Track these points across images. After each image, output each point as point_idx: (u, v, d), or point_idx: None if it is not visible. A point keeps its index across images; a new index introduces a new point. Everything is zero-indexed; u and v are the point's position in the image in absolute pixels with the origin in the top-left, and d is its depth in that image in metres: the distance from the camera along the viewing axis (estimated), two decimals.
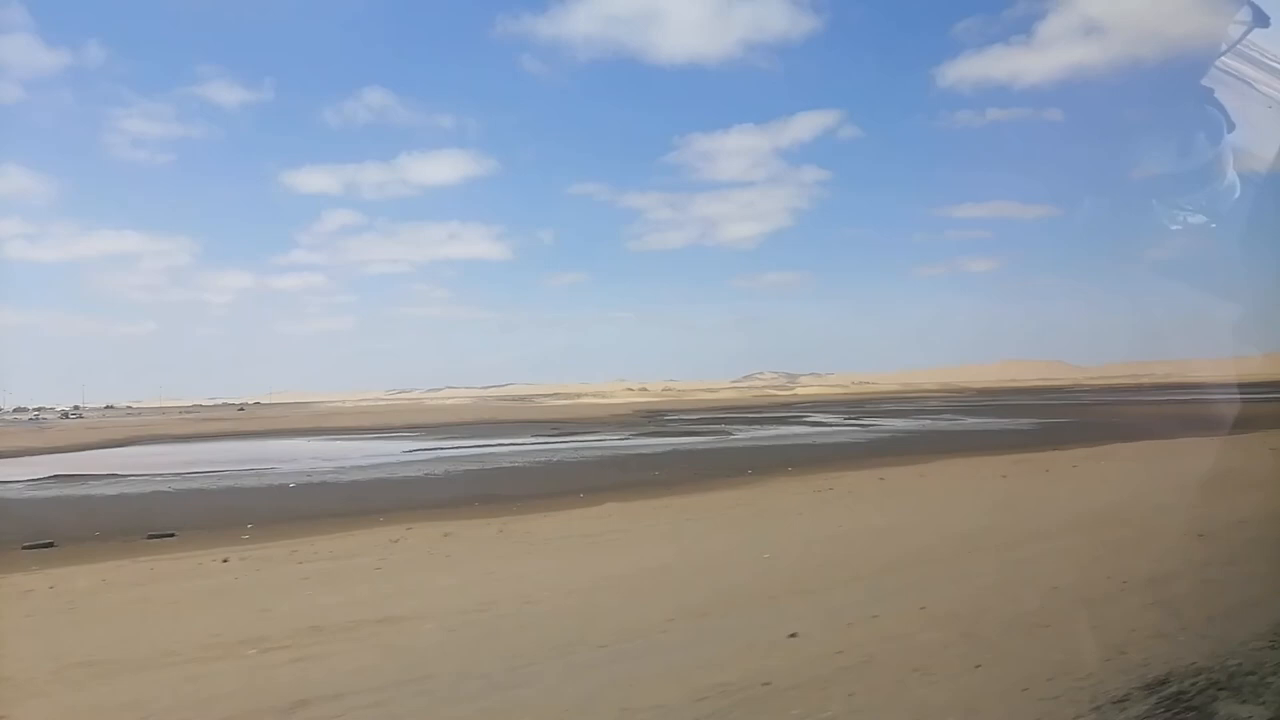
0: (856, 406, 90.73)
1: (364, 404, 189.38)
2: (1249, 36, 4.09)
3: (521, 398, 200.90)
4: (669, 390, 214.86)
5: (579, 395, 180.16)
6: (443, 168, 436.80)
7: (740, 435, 45.43)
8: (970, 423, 53.97)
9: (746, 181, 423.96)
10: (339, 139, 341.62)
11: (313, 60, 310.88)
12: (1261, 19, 4.00)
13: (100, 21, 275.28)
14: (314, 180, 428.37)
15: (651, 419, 69.90)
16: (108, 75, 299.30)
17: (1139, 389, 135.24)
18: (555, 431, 51.77)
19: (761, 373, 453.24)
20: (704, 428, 53.66)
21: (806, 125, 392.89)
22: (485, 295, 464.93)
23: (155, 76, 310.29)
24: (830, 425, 54.12)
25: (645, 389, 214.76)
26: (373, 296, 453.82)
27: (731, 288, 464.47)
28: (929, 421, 56.29)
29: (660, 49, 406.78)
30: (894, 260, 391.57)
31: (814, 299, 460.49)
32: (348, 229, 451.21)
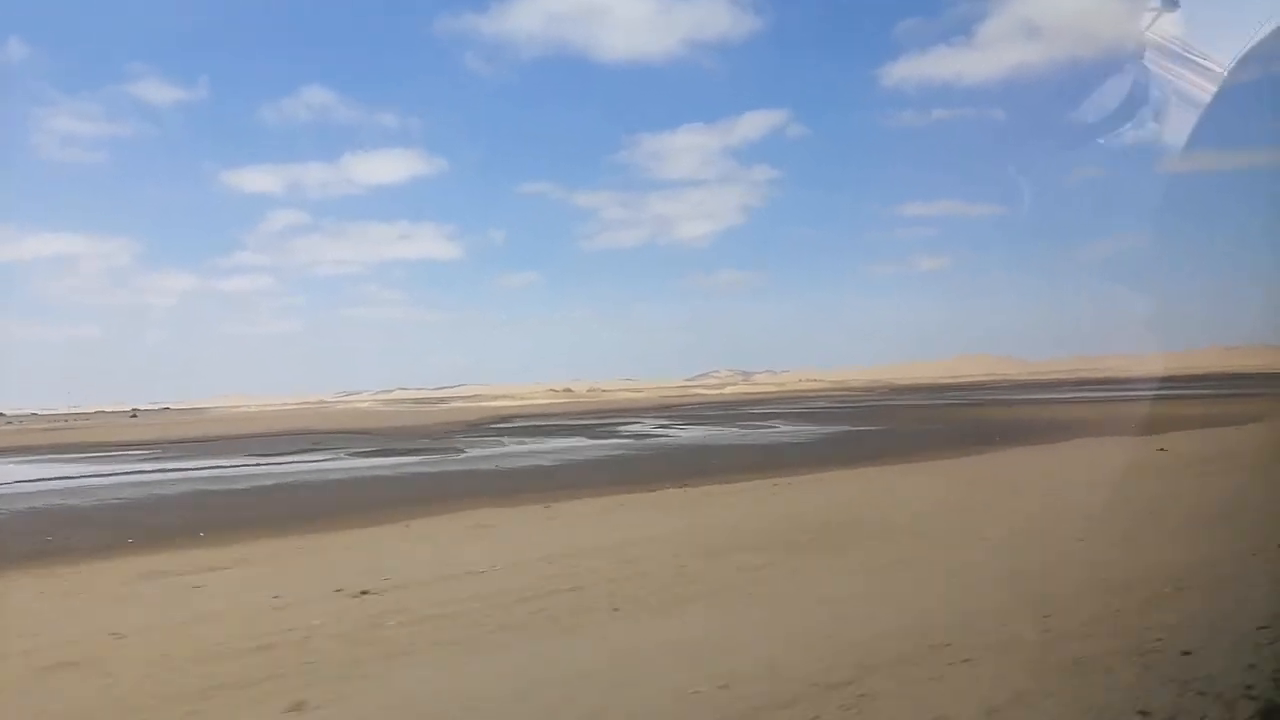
0: (730, 409, 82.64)
1: (269, 408, 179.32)
2: (1168, 37, 4.11)
3: (439, 400, 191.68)
4: (594, 390, 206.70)
5: (497, 397, 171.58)
6: (390, 167, 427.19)
7: (471, 454, 36.80)
8: (783, 430, 45.74)
9: (698, 180, 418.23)
10: (279, 138, 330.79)
11: (248, 58, 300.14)
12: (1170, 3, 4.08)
13: (19, 18, 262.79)
14: (256, 180, 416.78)
15: (473, 428, 61.09)
16: (31, 73, 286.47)
17: (1068, 384, 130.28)
18: (334, 446, 42.90)
19: (717, 370, 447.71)
20: (480, 439, 45.12)
21: (754, 124, 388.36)
22: (438, 296, 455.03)
23: (81, 74, 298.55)
24: (600, 439, 45.60)
25: (569, 389, 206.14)
26: (322, 298, 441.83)
27: (686, 286, 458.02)
28: (741, 431, 47.99)
29: (604, 47, 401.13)
30: (846, 258, 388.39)
31: (768, 297, 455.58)
32: (293, 229, 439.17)
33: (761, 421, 55.48)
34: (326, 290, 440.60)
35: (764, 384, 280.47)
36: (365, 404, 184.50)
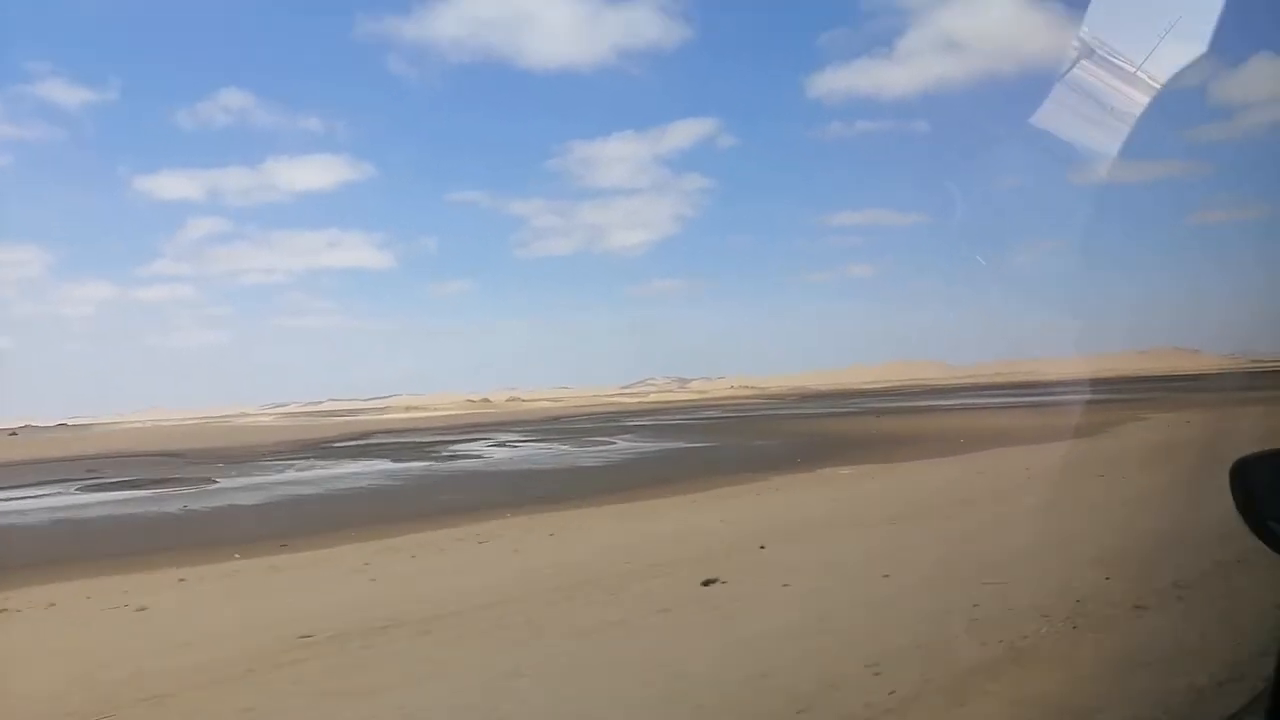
0: (610, 420, 78.43)
1: (167, 423, 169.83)
2: (1089, 46, 4.15)
3: (352, 411, 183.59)
4: (514, 400, 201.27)
5: (409, 409, 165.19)
6: (315, 173, 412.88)
7: (219, 485, 31.78)
8: (613, 449, 41.48)
9: (631, 189, 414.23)
10: (197, 142, 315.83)
11: (160, 59, 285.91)
12: (1087, 51, 4.16)
13: None
14: (172, 185, 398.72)
15: (304, 449, 55.71)
16: None
17: (978, 389, 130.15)
18: (74, 477, 37.25)
19: (653, 378, 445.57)
20: (278, 463, 40.07)
21: (685, 133, 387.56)
22: (370, 305, 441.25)
23: None
24: (401, 463, 40.95)
25: (488, 400, 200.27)
26: (250, 308, 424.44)
27: (622, 295, 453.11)
28: (570, 449, 43.73)
29: (532, 54, 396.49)
30: (780, 266, 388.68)
31: (704, 305, 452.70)
32: (214, 237, 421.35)
33: (609, 437, 51.28)
34: (254, 300, 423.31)
35: (692, 392, 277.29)
36: (267, 418, 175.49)
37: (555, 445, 46.41)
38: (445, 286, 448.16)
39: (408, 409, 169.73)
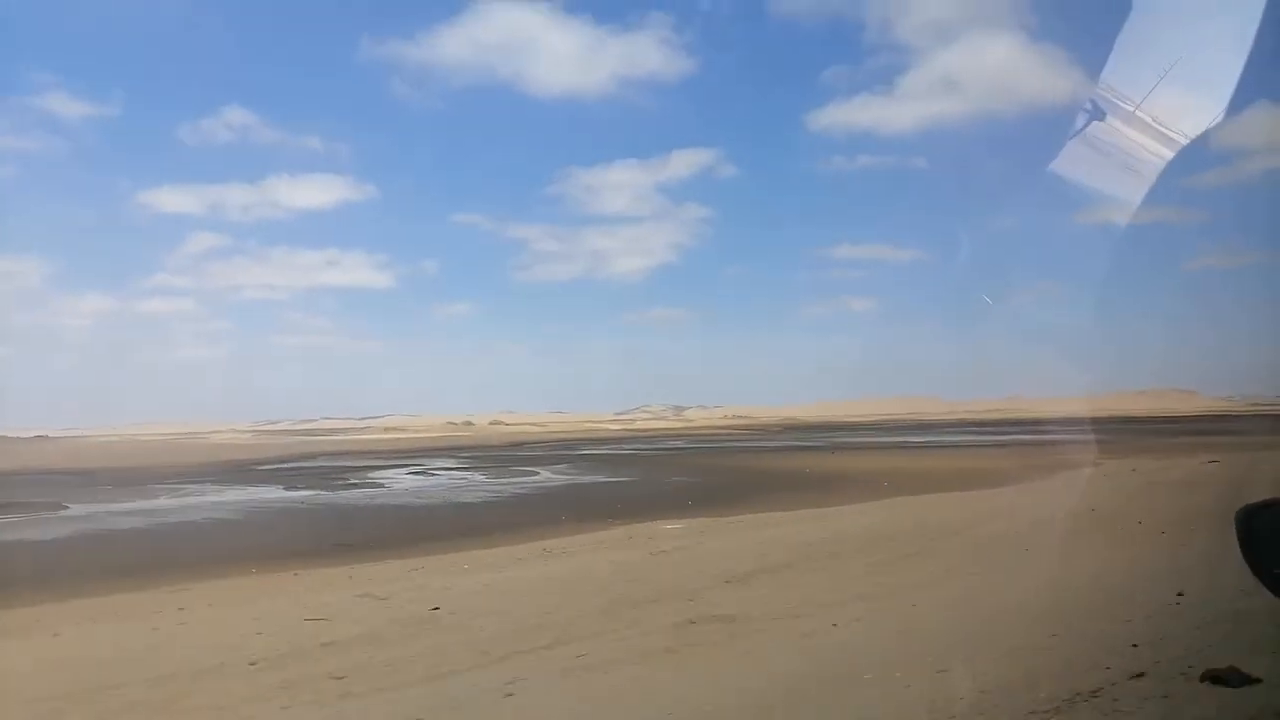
0: (567, 448, 75.75)
1: (146, 436, 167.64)
2: (1106, 96, 4.14)
3: (334, 430, 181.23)
4: (496, 423, 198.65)
5: (389, 430, 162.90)
6: (315, 192, 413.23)
7: (68, 513, 29.30)
8: (529, 482, 38.81)
9: (632, 217, 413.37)
10: (198, 158, 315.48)
11: (164, 75, 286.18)
12: (1098, 113, 4.15)
13: None
14: (173, 200, 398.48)
15: (226, 470, 53.20)
16: None
17: (962, 425, 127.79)
18: None
19: (649, 405, 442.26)
20: (169, 488, 37.55)
21: (685, 162, 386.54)
22: (369, 325, 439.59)
23: None
24: (291, 490, 38.46)
25: (470, 423, 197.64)
26: (248, 324, 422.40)
27: (621, 321, 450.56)
28: (484, 480, 41.12)
29: (534, 80, 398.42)
30: (780, 298, 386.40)
31: (702, 334, 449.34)
32: (215, 252, 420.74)
33: (542, 468, 48.65)
34: (253, 315, 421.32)
35: (682, 421, 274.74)
36: (244, 435, 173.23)
37: (472, 475, 43.79)
38: (446, 308, 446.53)
39: (387, 430, 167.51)
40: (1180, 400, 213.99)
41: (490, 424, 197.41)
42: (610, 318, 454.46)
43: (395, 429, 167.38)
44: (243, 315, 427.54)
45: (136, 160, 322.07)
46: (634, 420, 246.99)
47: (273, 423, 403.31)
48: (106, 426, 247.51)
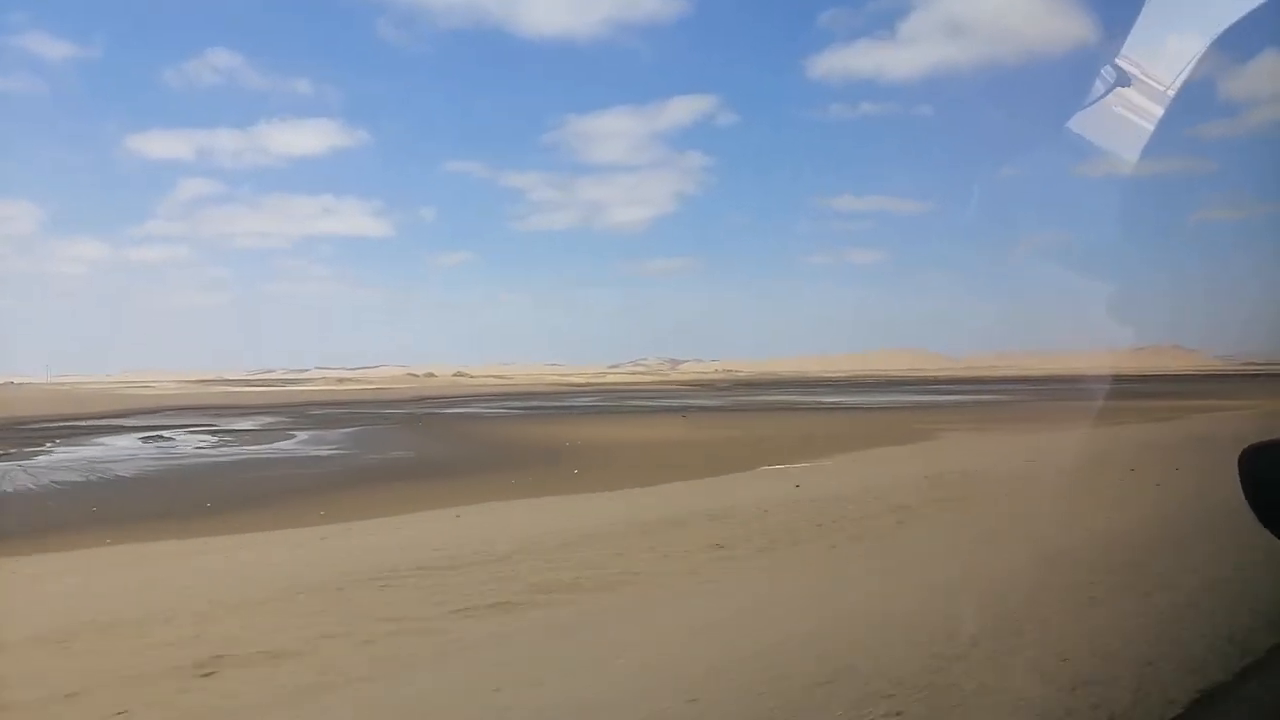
0: (481, 401, 68.57)
1: (123, 385, 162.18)
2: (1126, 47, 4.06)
3: (284, 381, 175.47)
4: (460, 375, 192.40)
5: (349, 381, 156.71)
6: (307, 137, 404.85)
7: None
8: (260, 449, 31.75)
9: (630, 165, 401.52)
10: (184, 101, 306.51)
11: (142, 15, 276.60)
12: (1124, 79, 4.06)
13: None
14: (162, 145, 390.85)
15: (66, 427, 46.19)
16: None
17: (954, 381, 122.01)
18: None
19: (646, 358, 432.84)
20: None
21: (683, 109, 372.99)
22: (369, 273, 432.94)
23: None
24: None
25: (431, 374, 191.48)
26: (246, 271, 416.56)
27: (621, 272, 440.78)
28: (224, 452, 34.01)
29: (525, 22, 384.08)
30: (781, 248, 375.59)
31: (701, 285, 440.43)
32: (207, 199, 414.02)
33: (318, 429, 41.59)
34: (250, 263, 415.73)
35: (678, 373, 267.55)
36: (232, 383, 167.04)
37: (190, 442, 36.18)
38: (444, 258, 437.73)
39: (340, 381, 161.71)
40: (1180, 358, 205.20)
41: (454, 375, 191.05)
42: (609, 268, 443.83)
43: (349, 381, 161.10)
44: (241, 262, 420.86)
45: (122, 103, 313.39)
46: (607, 375, 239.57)
47: (266, 372, 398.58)
48: (99, 374, 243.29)
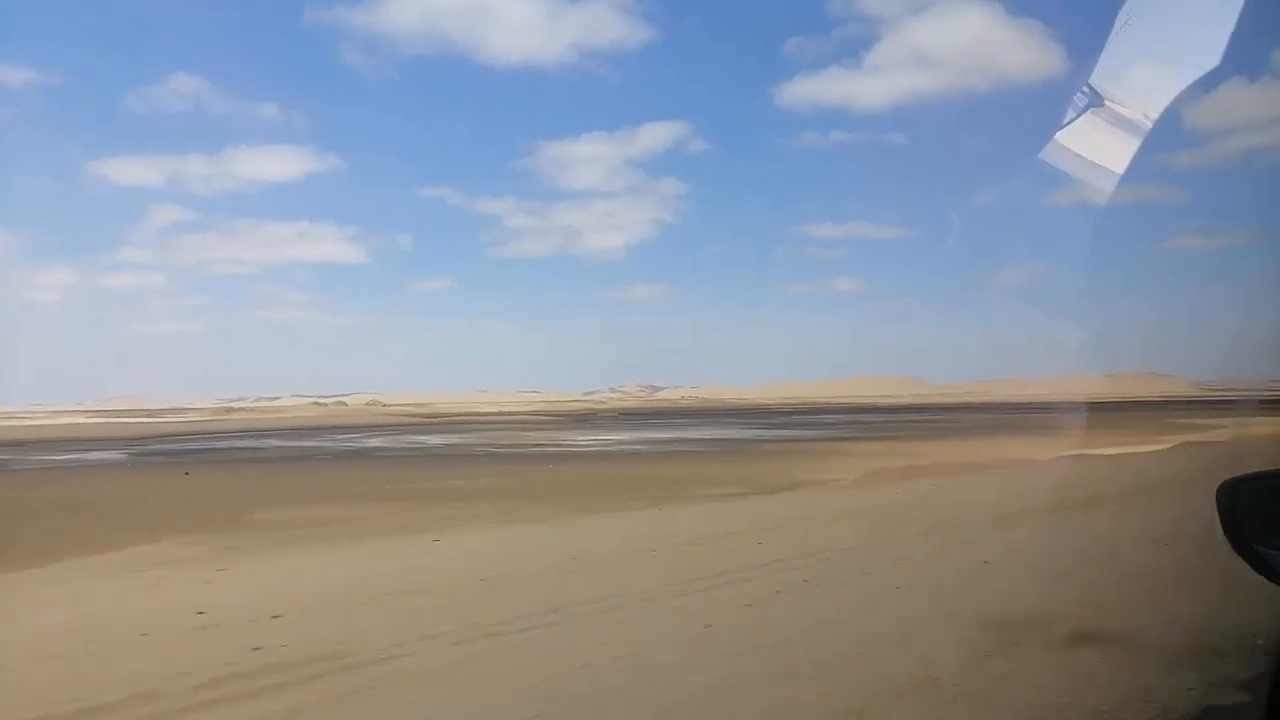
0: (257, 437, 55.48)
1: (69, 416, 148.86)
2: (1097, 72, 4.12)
3: (225, 411, 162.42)
4: (374, 403, 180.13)
5: (256, 410, 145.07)
6: (278, 163, 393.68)
7: None
8: None
9: (605, 191, 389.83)
10: (149, 127, 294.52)
11: (101, 42, 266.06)
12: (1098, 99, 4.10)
13: None
14: (130, 171, 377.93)
15: None
16: None
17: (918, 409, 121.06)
18: None
19: (625, 385, 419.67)
20: None
21: (655, 136, 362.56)
22: (346, 300, 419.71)
23: None
24: None
25: (343, 403, 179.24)
26: (224, 298, 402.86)
27: (599, 298, 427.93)
28: None
29: (491, 49, 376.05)
30: (761, 276, 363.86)
31: (681, 312, 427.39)
32: (179, 225, 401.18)
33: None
34: (227, 290, 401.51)
35: (654, 399, 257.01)
36: (84, 417, 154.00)
37: None
38: (422, 284, 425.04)
39: (228, 411, 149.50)
40: (1157, 384, 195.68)
41: (367, 404, 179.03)
42: (588, 295, 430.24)
43: (269, 410, 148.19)
44: (218, 289, 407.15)
45: (86, 130, 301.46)
46: (571, 402, 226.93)
47: (238, 399, 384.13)
48: (70, 403, 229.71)
